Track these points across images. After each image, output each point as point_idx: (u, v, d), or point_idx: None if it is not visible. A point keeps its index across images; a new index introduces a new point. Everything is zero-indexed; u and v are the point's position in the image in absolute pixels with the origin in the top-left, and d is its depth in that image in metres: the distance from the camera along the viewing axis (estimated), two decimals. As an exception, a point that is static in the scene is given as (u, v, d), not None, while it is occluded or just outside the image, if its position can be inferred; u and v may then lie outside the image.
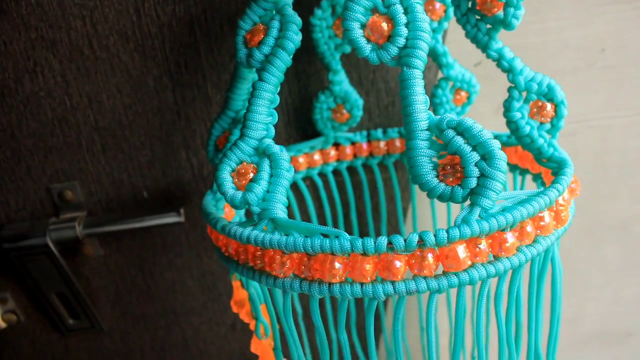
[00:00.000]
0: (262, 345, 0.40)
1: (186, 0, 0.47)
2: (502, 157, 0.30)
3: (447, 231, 0.29)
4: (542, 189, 0.34)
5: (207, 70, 0.49)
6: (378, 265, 0.30)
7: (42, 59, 0.48)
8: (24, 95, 0.49)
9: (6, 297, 0.58)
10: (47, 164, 0.52)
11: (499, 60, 0.38)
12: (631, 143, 0.55)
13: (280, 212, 0.33)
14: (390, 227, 0.56)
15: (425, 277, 0.30)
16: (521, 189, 0.45)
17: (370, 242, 0.29)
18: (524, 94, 0.38)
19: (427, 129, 0.32)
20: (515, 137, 0.38)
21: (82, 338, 0.61)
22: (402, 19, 0.32)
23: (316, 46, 0.46)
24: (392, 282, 0.30)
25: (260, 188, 0.33)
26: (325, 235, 0.30)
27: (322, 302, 0.57)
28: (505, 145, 0.44)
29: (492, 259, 0.31)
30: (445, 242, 0.29)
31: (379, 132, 0.51)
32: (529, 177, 0.44)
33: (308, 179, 0.52)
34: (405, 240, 0.29)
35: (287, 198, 0.41)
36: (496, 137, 0.44)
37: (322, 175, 0.52)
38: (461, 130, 0.31)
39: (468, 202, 0.31)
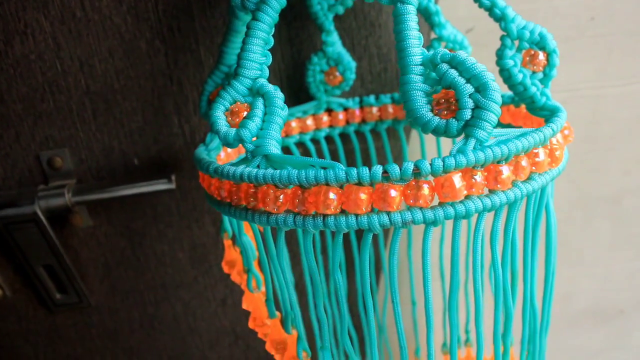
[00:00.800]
0: (254, 300, 0.39)
1: (179, -39, 0.47)
2: (496, 89, 0.30)
3: (443, 160, 0.29)
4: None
5: (200, 34, 0.49)
6: (373, 196, 0.29)
7: (33, 21, 0.48)
8: (13, 58, 0.49)
9: (-8, 269, 0.57)
10: (37, 130, 0.51)
11: (491, 9, 0.38)
12: (622, 114, 0.55)
13: (274, 149, 0.33)
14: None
15: (421, 208, 0.29)
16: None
17: (365, 171, 0.29)
18: (516, 42, 0.38)
19: (420, 64, 0.32)
20: (508, 85, 0.38)
21: (70, 315, 0.60)
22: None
23: (309, 6, 0.46)
24: (388, 213, 0.29)
25: (254, 125, 0.33)
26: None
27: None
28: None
29: (487, 193, 0.31)
30: (441, 171, 0.29)
31: (372, 98, 0.51)
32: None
33: (301, 145, 0.52)
34: (400, 169, 0.29)
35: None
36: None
37: (314, 141, 0.52)
38: (455, 63, 0.31)
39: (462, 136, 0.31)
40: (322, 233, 0.54)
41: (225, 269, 0.44)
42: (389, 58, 0.52)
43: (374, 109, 0.51)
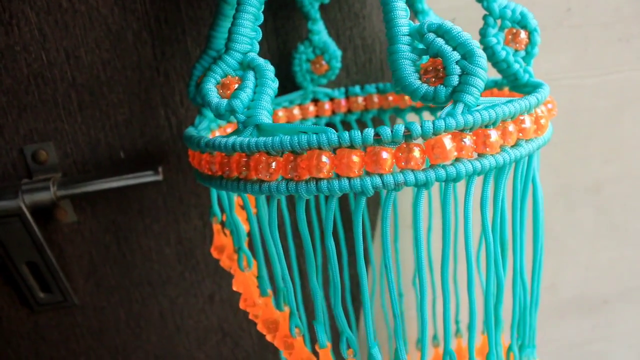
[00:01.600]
0: (245, 280, 0.39)
1: (166, -48, 0.47)
2: (482, 55, 0.31)
3: (433, 122, 0.30)
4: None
5: (187, 24, 0.50)
6: (365, 159, 0.30)
7: (19, 11, 0.48)
8: (-1, 49, 0.48)
9: (-26, 268, 0.56)
10: (21, 123, 0.51)
11: (473, -12, 0.39)
12: (600, 103, 0.57)
13: (265, 119, 0.33)
14: (369, 188, 0.56)
15: (412, 170, 0.30)
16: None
17: (357, 134, 0.29)
18: (499, 22, 0.39)
19: (408, 34, 0.32)
20: (492, 63, 0.39)
21: (53, 315, 0.58)
22: None
23: (295, -6, 0.47)
24: (380, 175, 0.30)
25: (245, 95, 0.33)
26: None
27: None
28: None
29: (477, 157, 0.31)
30: (431, 132, 0.30)
31: (357, 89, 0.51)
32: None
33: (287, 135, 0.52)
34: (392, 131, 0.29)
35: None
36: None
37: (301, 131, 0.52)
38: (441, 32, 0.32)
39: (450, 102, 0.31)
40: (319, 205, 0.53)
41: (215, 254, 0.44)
42: (374, 49, 0.52)
43: (360, 99, 0.52)
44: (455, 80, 0.31)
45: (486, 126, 0.31)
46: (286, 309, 0.37)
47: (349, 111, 0.52)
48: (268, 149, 0.31)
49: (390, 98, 0.51)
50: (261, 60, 0.34)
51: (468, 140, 0.31)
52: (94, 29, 0.49)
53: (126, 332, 0.60)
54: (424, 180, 0.30)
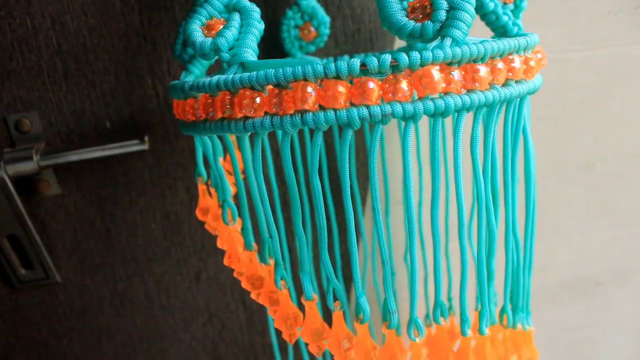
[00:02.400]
0: (229, 235, 0.38)
1: None
2: (470, -10, 0.30)
3: (420, 52, 0.29)
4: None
5: (174, -9, 0.49)
6: (351, 91, 0.29)
7: (4, -25, 0.47)
8: (-17, 14, 0.48)
9: (-47, 242, 0.54)
10: (4, 91, 0.50)
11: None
12: (590, 78, 0.57)
13: (250, 57, 0.32)
14: (358, 162, 0.55)
15: (400, 102, 0.29)
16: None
17: (343, 64, 0.29)
18: (487, -26, 0.39)
19: (394, -27, 0.32)
20: (480, 15, 0.39)
21: (35, 293, 0.57)
22: None
23: (284, -42, 0.47)
24: (367, 106, 0.29)
25: (230, 34, 0.32)
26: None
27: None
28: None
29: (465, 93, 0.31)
30: (419, 64, 0.29)
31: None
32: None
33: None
34: (378, 61, 0.29)
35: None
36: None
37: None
38: (429, -31, 0.31)
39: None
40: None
41: (199, 216, 0.43)
42: (362, 19, 0.52)
43: (349, 68, 0.51)
44: (442, 15, 0.30)
45: (475, 61, 0.31)
46: (271, 262, 0.36)
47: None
48: (253, 83, 0.30)
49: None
50: (247, 2, 0.34)
51: (457, 74, 0.30)
52: (80, -6, 0.48)
53: (110, 311, 0.58)
54: (411, 112, 0.29)
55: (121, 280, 0.57)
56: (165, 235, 0.56)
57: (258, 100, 0.30)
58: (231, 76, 0.31)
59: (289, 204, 0.55)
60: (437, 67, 0.29)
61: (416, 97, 0.30)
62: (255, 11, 0.33)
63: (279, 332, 0.60)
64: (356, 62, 0.29)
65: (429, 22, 0.31)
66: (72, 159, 0.50)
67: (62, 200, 0.54)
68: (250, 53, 0.32)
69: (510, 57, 0.32)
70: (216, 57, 0.33)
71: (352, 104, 0.29)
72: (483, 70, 0.31)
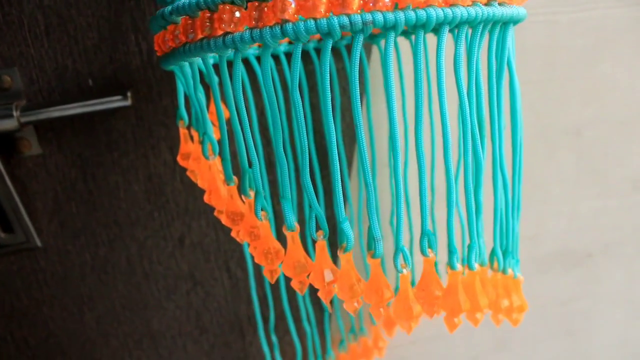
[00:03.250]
0: (209, 172, 0.37)
1: None
2: None
3: (401, -39, 0.29)
4: None
5: (158, -56, 0.49)
6: (331, 1, 0.29)
7: None
8: (-37, -35, 0.47)
9: None
10: (-15, 46, 0.49)
11: None
12: (578, 41, 0.56)
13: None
14: (344, 123, 0.55)
15: (381, 11, 0.29)
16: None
17: (323, -29, 0.28)
18: None
19: None
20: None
21: (15, 259, 0.56)
22: None
23: None
24: (348, 15, 0.28)
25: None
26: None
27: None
28: None
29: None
30: (400, -27, 0.29)
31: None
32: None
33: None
34: (359, -32, 0.28)
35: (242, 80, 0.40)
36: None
37: (275, 58, 0.51)
38: None
39: None
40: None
41: (181, 162, 0.42)
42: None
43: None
44: None
45: (457, -26, 0.30)
46: (252, 194, 0.35)
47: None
48: (232, -3, 0.29)
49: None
50: None
51: (439, -14, 0.30)
52: (63, -54, 0.48)
53: (92, 278, 0.57)
54: (392, 22, 0.29)
55: (103, 245, 0.56)
56: (149, 198, 0.55)
57: (238, 14, 0.30)
58: (210, -8, 0.30)
59: (274, 164, 0.54)
60: (418, -23, 0.29)
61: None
62: None
63: (262, 301, 0.59)
64: (336, -31, 0.28)
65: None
66: (53, 115, 0.49)
67: (43, 160, 0.53)
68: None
69: (493, -22, 0.32)
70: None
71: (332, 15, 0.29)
72: (466, -16, 0.30)
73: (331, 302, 0.60)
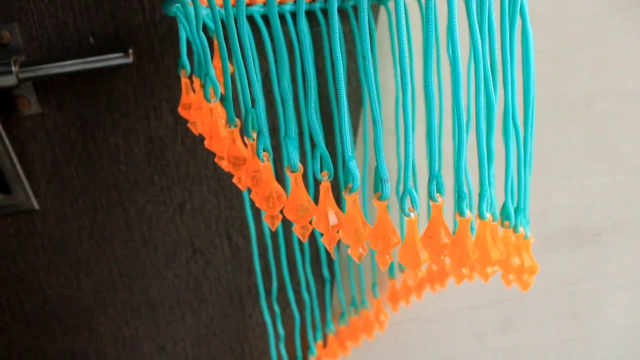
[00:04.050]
0: (210, 116, 0.36)
1: None
2: None
3: None
4: None
5: None
6: None
7: None
8: None
9: None
10: (-15, 0, 0.48)
11: None
12: (589, 9, 0.55)
13: None
14: (350, 88, 0.54)
15: None
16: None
17: None
18: None
19: None
20: None
21: (12, 221, 0.54)
22: None
23: None
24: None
25: None
26: None
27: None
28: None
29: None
30: None
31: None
32: None
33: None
34: None
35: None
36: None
37: (281, 19, 0.50)
38: None
39: None
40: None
41: (181, 112, 0.41)
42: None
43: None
44: None
45: None
46: (254, 135, 0.34)
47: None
48: None
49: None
50: None
51: None
52: None
53: (89, 243, 0.56)
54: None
55: (102, 209, 0.55)
56: (149, 161, 0.54)
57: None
58: None
59: (277, 129, 0.53)
60: None
61: None
62: None
63: (264, 272, 0.57)
64: None
65: None
66: (53, 71, 0.48)
67: (42, 120, 0.52)
68: None
69: None
70: None
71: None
72: None
73: (332, 269, 0.58)
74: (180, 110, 0.41)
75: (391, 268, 0.58)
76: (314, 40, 0.52)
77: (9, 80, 0.48)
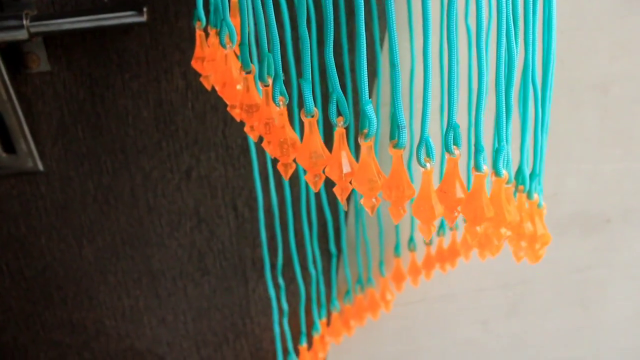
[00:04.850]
0: (225, 62, 0.35)
1: None
2: None
3: None
4: None
5: None
6: None
7: None
8: None
9: None
10: (-2, -48, 0.48)
11: None
12: (608, -12, 0.54)
13: None
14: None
15: None
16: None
17: None
18: None
19: None
20: None
21: (15, 182, 0.54)
22: None
23: None
24: None
25: None
26: None
27: None
28: None
29: None
30: None
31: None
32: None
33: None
34: None
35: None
36: None
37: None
38: None
39: None
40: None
41: (194, 65, 0.40)
42: None
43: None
44: None
45: None
46: (270, 81, 0.33)
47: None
48: None
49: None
50: None
51: None
52: None
53: (93, 208, 0.55)
54: None
55: (107, 173, 0.54)
56: (157, 126, 0.53)
57: None
58: None
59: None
60: None
61: None
62: None
63: (270, 244, 0.56)
64: None
65: None
66: (64, 27, 0.48)
67: (51, 78, 0.51)
68: None
69: None
70: None
71: None
72: None
73: (339, 244, 0.57)
74: (193, 63, 0.40)
75: (397, 245, 0.57)
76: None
77: (19, 34, 0.47)
